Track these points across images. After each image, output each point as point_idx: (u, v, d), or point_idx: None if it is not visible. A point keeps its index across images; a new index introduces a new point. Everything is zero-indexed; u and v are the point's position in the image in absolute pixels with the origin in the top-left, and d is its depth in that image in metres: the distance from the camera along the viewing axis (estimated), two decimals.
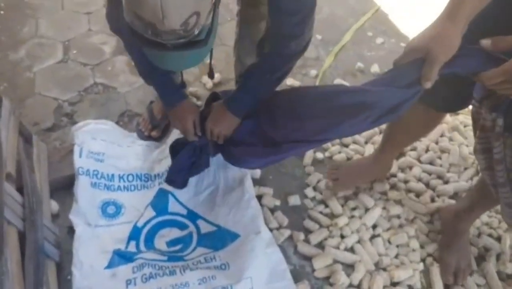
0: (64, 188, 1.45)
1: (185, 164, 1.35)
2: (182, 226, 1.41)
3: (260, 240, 1.32)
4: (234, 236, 1.38)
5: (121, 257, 1.27)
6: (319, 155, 1.70)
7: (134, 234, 1.36)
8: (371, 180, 1.57)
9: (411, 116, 1.14)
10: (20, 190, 1.18)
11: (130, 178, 1.53)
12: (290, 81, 1.97)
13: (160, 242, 1.37)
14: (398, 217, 1.50)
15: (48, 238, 1.24)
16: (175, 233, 1.38)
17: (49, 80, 1.87)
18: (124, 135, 1.62)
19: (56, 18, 2.17)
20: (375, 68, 2.08)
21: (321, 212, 1.50)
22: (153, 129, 1.68)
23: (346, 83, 1.99)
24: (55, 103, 1.78)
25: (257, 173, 1.60)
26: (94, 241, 1.31)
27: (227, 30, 2.10)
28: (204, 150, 1.36)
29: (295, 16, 1.03)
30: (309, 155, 1.68)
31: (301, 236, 1.44)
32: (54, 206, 1.43)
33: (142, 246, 1.34)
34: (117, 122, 1.71)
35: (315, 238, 1.43)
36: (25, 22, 2.13)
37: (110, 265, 1.25)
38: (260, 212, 1.43)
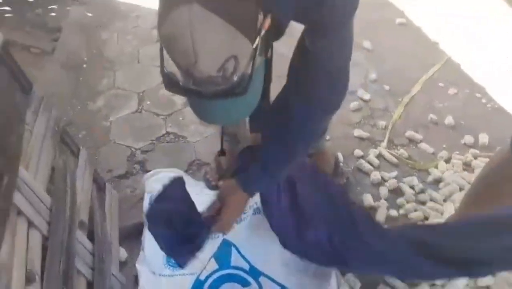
0: (133, 235, 1.46)
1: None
2: (245, 283, 1.35)
3: None
4: None
5: None
6: (393, 212, 1.59)
7: (197, 288, 1.32)
8: None
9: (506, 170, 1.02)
10: (91, 237, 1.19)
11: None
12: (357, 132, 1.91)
13: None
14: (488, 288, 1.33)
15: (115, 287, 1.23)
16: None
17: (123, 129, 1.96)
18: (192, 184, 1.62)
19: (132, 71, 2.31)
20: (449, 120, 1.97)
21: None
22: (220, 179, 1.67)
23: (419, 136, 1.89)
24: (128, 151, 1.85)
25: None
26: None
27: None
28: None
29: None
30: (382, 212, 1.58)
31: None
32: (123, 253, 1.43)
33: None
34: (186, 171, 1.73)
35: None
36: (104, 74, 2.28)
37: None
38: (332, 273, 1.33)
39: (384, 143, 1.87)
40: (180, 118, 2.01)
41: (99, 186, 1.44)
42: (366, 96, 2.08)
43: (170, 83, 0.75)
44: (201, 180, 1.69)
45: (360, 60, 2.26)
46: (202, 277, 1.35)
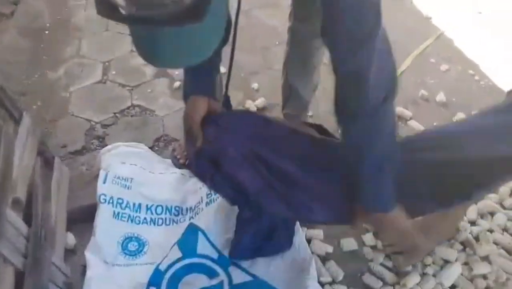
0: (85, 219, 1.27)
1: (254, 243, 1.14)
2: (211, 273, 1.17)
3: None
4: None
5: None
6: None
7: (155, 279, 1.14)
8: (437, 241, 1.24)
9: None
10: (28, 219, 1.00)
11: (159, 209, 1.33)
12: None
13: None
14: (485, 277, 1.18)
15: (56, 279, 1.05)
16: (202, 281, 1.15)
17: (84, 101, 1.75)
18: (157, 161, 1.44)
19: (99, 39, 2.09)
20: (441, 97, 1.82)
21: (384, 265, 1.22)
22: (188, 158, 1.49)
23: (409, 113, 1.73)
24: (87, 125, 1.65)
25: None
26: (109, 284, 1.11)
27: (274, 55, 1.94)
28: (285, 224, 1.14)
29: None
30: None
31: None
32: (71, 239, 1.25)
33: None
34: (151, 148, 1.54)
35: None
36: (68, 42, 2.07)
37: None
38: (312, 261, 1.17)
39: None
40: (148, 91, 1.81)
41: (46, 161, 1.24)
42: None
43: (107, 8, 0.57)
44: (167, 157, 1.50)
45: None
46: (162, 267, 1.18)
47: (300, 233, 1.22)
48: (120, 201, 1.28)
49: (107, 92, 1.80)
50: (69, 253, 1.24)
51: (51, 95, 1.77)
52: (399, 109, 1.75)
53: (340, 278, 1.20)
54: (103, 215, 1.24)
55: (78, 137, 1.59)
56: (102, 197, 1.25)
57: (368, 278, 1.19)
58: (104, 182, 1.29)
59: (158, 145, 1.58)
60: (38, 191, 1.11)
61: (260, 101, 1.73)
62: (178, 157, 1.50)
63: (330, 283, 1.19)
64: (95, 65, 1.94)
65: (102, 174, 1.30)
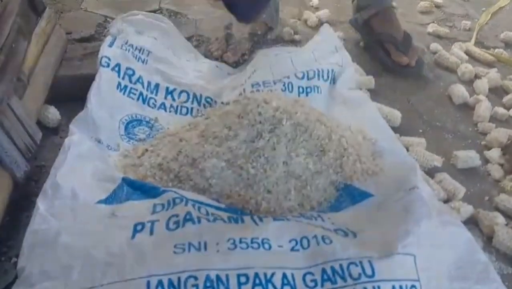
0: (76, 95, 0.87)
1: None
2: None
3: (420, 201, 0.62)
4: (360, 196, 0.68)
5: (135, 189, 0.63)
6: (501, 111, 0.99)
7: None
8: None
9: None
10: None
11: (184, 96, 0.93)
12: (432, 28, 1.35)
13: None
14: None
15: (14, 137, 0.64)
16: None
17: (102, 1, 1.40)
18: (184, 45, 1.06)
19: None
20: None
21: None
22: (229, 51, 1.11)
23: None
24: (102, 19, 1.29)
25: (397, 117, 0.92)
26: (95, 161, 0.70)
27: None
28: None
29: None
30: (484, 106, 0.98)
31: (500, 218, 0.70)
32: (54, 114, 0.85)
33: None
34: None
35: None
36: None
37: (109, 199, 0.61)
38: (413, 162, 0.73)
39: (472, 41, 1.29)
40: None
41: (34, 4, 0.86)
42: None
43: None
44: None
45: None
46: None
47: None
48: (130, 72, 0.89)
49: None
50: (50, 132, 0.84)
51: None
52: (507, 34, 1.34)
53: (461, 195, 0.75)
54: (104, 83, 0.85)
55: (88, 27, 1.22)
56: (105, 60, 0.87)
57: (503, 200, 0.74)
58: (111, 46, 0.90)
59: (191, 42, 1.20)
60: (13, 24, 0.73)
61: (323, 12, 1.35)
62: (213, 49, 1.12)
63: (445, 201, 0.74)
64: None
65: (109, 38, 0.92)
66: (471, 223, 0.71)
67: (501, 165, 0.83)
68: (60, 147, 0.74)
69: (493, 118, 0.98)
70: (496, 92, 1.09)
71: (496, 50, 1.27)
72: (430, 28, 1.34)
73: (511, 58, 1.22)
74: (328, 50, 1.03)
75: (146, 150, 0.78)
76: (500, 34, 1.36)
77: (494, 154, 0.85)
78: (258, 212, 0.65)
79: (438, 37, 1.32)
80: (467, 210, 0.71)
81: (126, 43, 0.92)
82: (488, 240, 0.68)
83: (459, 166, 0.83)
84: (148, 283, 0.46)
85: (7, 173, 0.64)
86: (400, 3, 1.38)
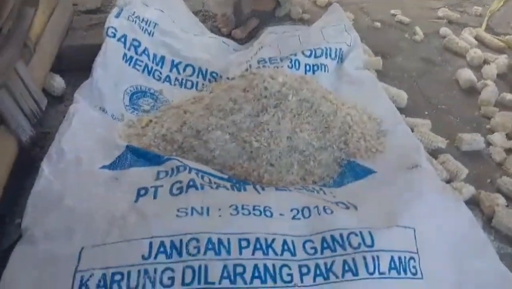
0: (82, 65, 0.87)
1: None
2: None
3: (422, 179, 0.62)
4: (363, 172, 0.68)
5: (139, 156, 0.64)
6: (510, 96, 0.98)
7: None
8: None
9: None
10: None
11: (189, 70, 0.93)
12: (443, 12, 1.33)
13: None
14: None
15: (20, 102, 0.65)
16: None
17: None
18: (192, 19, 1.06)
19: None
20: None
21: None
22: (237, 28, 1.10)
23: None
24: None
25: (403, 99, 0.92)
26: (100, 128, 0.70)
27: None
28: None
29: None
30: (490, 91, 0.97)
31: (501, 199, 0.70)
32: (59, 83, 0.85)
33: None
34: None
35: None
36: None
37: (113, 165, 0.62)
38: (417, 142, 0.73)
39: (482, 27, 1.27)
40: None
41: None
42: None
43: None
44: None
45: None
46: None
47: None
48: (136, 43, 0.89)
49: None
50: (55, 100, 0.84)
51: None
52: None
53: (463, 175, 0.75)
54: (110, 53, 0.85)
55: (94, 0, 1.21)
56: (111, 30, 0.86)
57: (504, 182, 0.74)
58: (117, 17, 0.89)
59: (198, 17, 1.19)
60: None
61: None
62: (221, 26, 1.11)
63: (448, 181, 0.74)
64: None
65: (115, 10, 0.92)
66: (473, 203, 0.71)
67: (506, 150, 0.83)
68: (65, 115, 0.75)
69: (499, 104, 0.97)
70: (505, 78, 1.08)
71: (507, 36, 1.25)
72: (441, 13, 1.32)
73: None
74: (337, 29, 1.02)
75: (150, 121, 0.78)
76: (511, 21, 1.34)
77: (498, 137, 0.84)
78: (261, 183, 0.65)
79: (448, 22, 1.31)
80: (469, 190, 0.71)
81: (133, 15, 0.92)
82: (488, 220, 0.68)
83: (464, 148, 0.82)
84: (151, 244, 0.47)
85: (12, 136, 0.64)
86: None
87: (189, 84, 0.92)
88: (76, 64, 0.89)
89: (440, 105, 0.96)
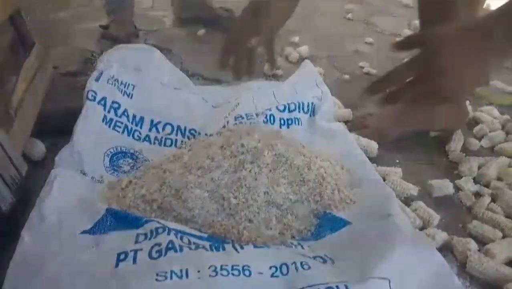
0: (62, 128, 0.89)
1: None
2: None
3: (395, 228, 0.65)
4: (338, 223, 0.71)
5: (118, 219, 0.65)
6: (473, 141, 1.04)
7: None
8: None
9: None
10: None
11: (168, 128, 0.96)
12: None
13: None
14: None
15: (0, 170, 0.66)
16: None
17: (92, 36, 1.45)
18: (173, 72, 1.08)
19: None
20: None
21: (495, 211, 0.81)
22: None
23: None
24: (89, 54, 1.33)
25: (374, 148, 0.96)
26: (80, 192, 0.72)
27: None
28: None
29: None
30: (457, 137, 1.03)
31: (472, 244, 0.73)
32: (39, 147, 0.87)
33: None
34: None
35: (501, 251, 0.71)
36: None
37: (94, 230, 0.63)
38: (390, 191, 0.77)
39: None
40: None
41: (22, 38, 0.90)
42: None
43: None
44: None
45: None
46: None
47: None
48: (115, 105, 0.92)
49: None
50: (36, 165, 0.85)
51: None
52: None
53: (436, 222, 0.78)
54: (90, 116, 0.87)
55: (75, 62, 1.26)
56: (91, 93, 0.89)
57: (477, 227, 0.78)
58: (97, 80, 0.93)
59: None
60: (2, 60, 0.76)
61: (303, 49, 1.41)
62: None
63: (421, 228, 0.77)
64: None
65: (95, 73, 0.95)
66: (446, 249, 0.74)
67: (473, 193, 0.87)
68: (45, 179, 0.76)
69: (466, 149, 1.02)
70: (468, 124, 1.14)
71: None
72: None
73: (481, 90, 1.28)
74: (309, 84, 1.08)
75: (130, 182, 0.79)
76: None
77: (465, 182, 0.89)
78: (240, 241, 0.66)
79: None
80: (442, 236, 0.74)
81: (112, 78, 0.95)
82: (462, 266, 0.71)
83: (434, 194, 0.86)
84: None
85: None
86: None
87: (168, 142, 0.94)
88: (56, 127, 0.91)
89: (410, 153, 1.01)
